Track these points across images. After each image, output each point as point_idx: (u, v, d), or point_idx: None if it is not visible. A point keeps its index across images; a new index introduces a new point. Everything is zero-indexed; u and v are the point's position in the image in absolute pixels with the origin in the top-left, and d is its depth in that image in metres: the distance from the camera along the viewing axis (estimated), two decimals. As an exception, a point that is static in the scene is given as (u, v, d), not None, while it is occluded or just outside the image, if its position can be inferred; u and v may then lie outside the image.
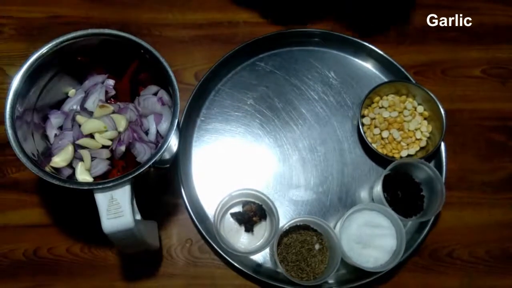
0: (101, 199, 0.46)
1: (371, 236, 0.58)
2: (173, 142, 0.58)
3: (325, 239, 0.59)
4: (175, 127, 0.49)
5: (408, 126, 0.64)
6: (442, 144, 0.63)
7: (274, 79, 0.68)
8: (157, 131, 0.56)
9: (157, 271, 0.60)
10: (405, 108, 0.65)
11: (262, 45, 0.68)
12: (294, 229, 0.59)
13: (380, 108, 0.65)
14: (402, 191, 0.61)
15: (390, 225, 0.58)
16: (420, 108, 0.65)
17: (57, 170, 0.52)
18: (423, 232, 0.60)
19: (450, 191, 0.62)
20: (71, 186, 0.47)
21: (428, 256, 0.61)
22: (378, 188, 0.59)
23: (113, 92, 0.57)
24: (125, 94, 0.57)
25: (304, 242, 0.58)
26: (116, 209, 0.46)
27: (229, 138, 0.65)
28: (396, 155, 0.63)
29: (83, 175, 0.51)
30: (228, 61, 0.67)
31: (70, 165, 0.53)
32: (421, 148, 0.64)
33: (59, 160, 0.52)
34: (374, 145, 0.63)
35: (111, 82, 0.57)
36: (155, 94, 0.57)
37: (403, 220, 0.58)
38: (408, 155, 0.63)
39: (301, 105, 0.67)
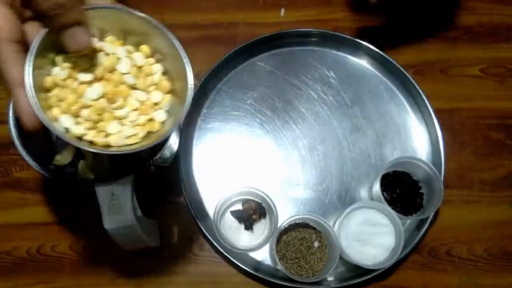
0: (102, 196, 0.47)
1: (370, 234, 0.58)
2: (173, 141, 0.59)
3: (324, 236, 0.59)
4: (175, 125, 0.50)
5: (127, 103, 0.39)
6: (441, 143, 0.64)
7: (274, 78, 0.68)
8: (158, 130, 0.56)
9: (158, 269, 0.60)
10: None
11: (262, 45, 0.68)
12: (293, 227, 0.59)
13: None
14: (401, 189, 0.61)
15: (388, 223, 0.58)
16: (155, 69, 0.40)
17: (60, 168, 0.53)
18: (422, 230, 0.60)
19: (449, 189, 0.62)
20: (73, 183, 0.48)
21: (427, 253, 0.61)
22: (377, 187, 0.60)
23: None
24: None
25: (303, 240, 0.59)
26: (117, 206, 0.47)
27: (229, 137, 0.66)
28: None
29: (85, 173, 0.52)
30: (228, 61, 0.67)
31: (73, 163, 0.53)
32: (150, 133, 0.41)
33: (61, 158, 0.52)
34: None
35: (112, 81, 0.58)
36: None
37: (402, 218, 0.58)
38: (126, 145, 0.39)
39: (300, 105, 0.67)
